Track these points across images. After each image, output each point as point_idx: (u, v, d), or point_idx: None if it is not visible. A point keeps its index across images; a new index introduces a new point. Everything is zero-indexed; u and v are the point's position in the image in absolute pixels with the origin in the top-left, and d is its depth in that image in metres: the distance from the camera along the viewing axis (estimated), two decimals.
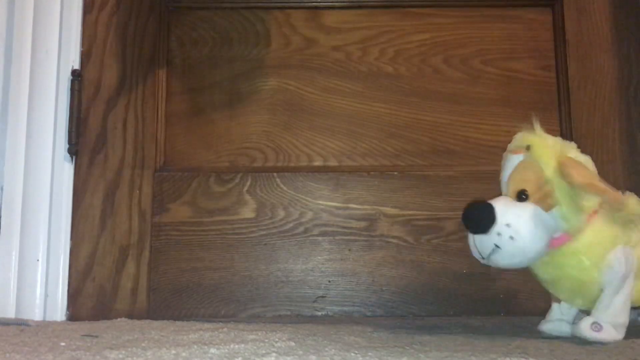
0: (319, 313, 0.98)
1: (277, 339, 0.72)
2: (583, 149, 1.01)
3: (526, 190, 0.72)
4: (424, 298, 0.98)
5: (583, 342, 0.72)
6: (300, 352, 0.63)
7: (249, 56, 1.06)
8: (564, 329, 0.76)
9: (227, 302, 0.98)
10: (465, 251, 0.75)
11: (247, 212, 1.01)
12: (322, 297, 0.98)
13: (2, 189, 0.98)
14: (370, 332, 0.81)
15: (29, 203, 0.97)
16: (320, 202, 1.01)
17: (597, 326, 0.70)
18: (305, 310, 0.98)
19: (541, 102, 1.04)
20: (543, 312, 0.80)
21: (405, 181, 1.01)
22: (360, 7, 1.07)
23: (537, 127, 0.75)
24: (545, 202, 0.71)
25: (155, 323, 0.89)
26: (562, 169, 0.71)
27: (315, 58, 1.06)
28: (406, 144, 1.03)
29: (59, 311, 0.97)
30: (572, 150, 0.75)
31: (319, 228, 1.00)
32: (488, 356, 0.62)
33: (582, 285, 0.73)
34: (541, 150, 0.73)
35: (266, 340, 0.71)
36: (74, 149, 1.01)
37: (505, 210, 0.71)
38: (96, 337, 0.74)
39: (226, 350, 0.64)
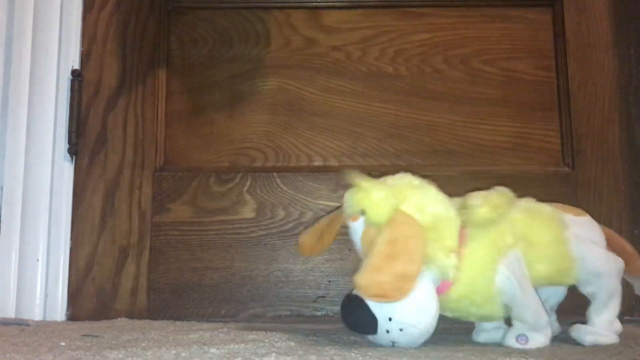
0: (319, 313, 0.98)
1: (277, 339, 0.72)
2: (583, 149, 1.02)
3: None
4: None
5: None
6: (300, 352, 0.63)
7: (249, 56, 1.06)
8: (499, 335, 0.72)
9: (227, 302, 0.98)
10: None
11: (247, 212, 1.01)
12: (322, 297, 0.98)
13: (2, 188, 0.98)
14: None
15: (28, 203, 0.97)
16: (320, 202, 1.01)
17: (523, 338, 0.68)
18: (305, 310, 0.98)
19: (541, 102, 1.04)
20: None
21: None
22: (360, 7, 1.07)
23: (362, 180, 0.68)
24: None
25: (155, 323, 0.89)
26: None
27: (315, 58, 1.06)
28: (406, 144, 1.03)
29: (58, 311, 0.97)
30: (407, 195, 0.68)
31: None
32: (488, 356, 0.62)
33: (486, 315, 0.70)
34: (375, 214, 0.67)
35: (266, 340, 0.71)
36: (74, 149, 1.01)
37: (380, 303, 0.64)
38: (96, 337, 0.74)
39: (226, 350, 0.64)
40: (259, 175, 1.01)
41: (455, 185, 1.00)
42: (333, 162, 1.03)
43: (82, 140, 1.02)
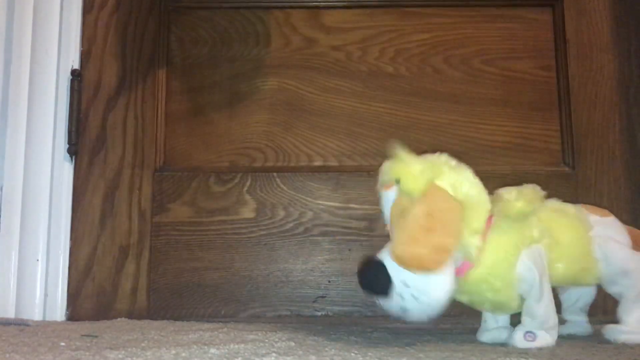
0: (319, 313, 0.98)
1: (277, 339, 0.72)
2: (583, 149, 1.02)
3: None
4: None
5: (583, 341, 0.72)
6: (300, 352, 0.63)
7: (249, 56, 1.06)
8: (503, 336, 0.73)
9: (227, 302, 0.98)
10: None
11: (247, 212, 1.00)
12: (322, 297, 0.98)
13: (1, 188, 0.98)
14: (370, 332, 0.81)
15: (28, 203, 0.97)
16: (320, 202, 1.01)
17: (530, 335, 0.69)
18: (305, 310, 0.98)
19: (541, 102, 1.04)
20: None
21: None
22: (360, 7, 1.07)
23: (402, 151, 0.69)
24: None
25: (155, 323, 0.89)
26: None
27: (315, 58, 1.06)
28: (406, 144, 1.03)
29: (58, 311, 0.97)
30: (444, 172, 0.68)
31: (319, 228, 1.00)
32: (488, 356, 0.62)
33: (501, 303, 0.71)
34: (410, 184, 0.67)
35: (266, 340, 0.71)
36: (74, 149, 1.01)
37: (396, 266, 0.64)
38: (96, 337, 0.74)
39: (226, 350, 0.64)
40: (259, 175, 1.01)
41: None
42: (333, 162, 1.03)
43: (81, 140, 1.02)
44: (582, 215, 0.75)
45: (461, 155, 1.03)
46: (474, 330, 0.77)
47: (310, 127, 1.04)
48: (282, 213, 1.00)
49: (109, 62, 1.04)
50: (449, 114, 1.04)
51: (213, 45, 1.06)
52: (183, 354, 0.61)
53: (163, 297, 0.98)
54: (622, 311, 0.73)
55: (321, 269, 0.99)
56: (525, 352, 0.65)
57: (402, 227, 0.66)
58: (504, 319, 0.75)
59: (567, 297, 0.81)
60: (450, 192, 0.67)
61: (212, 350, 0.63)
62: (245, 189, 1.01)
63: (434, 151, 1.02)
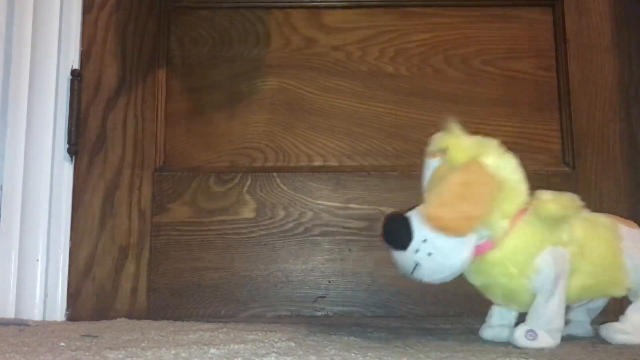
0: (319, 313, 0.98)
1: (277, 339, 0.72)
2: (583, 149, 1.02)
3: None
4: (424, 298, 0.97)
5: (583, 341, 0.72)
6: (300, 352, 0.63)
7: (249, 56, 1.06)
8: (505, 334, 0.73)
9: (227, 302, 0.98)
10: None
11: (247, 212, 1.00)
12: (322, 297, 0.98)
13: (1, 188, 0.98)
14: (370, 332, 0.81)
15: (28, 203, 0.97)
16: (320, 202, 1.01)
17: (531, 334, 0.68)
18: (305, 310, 0.98)
19: (541, 102, 1.04)
20: None
21: (405, 181, 1.01)
22: (360, 6, 1.07)
23: (455, 126, 0.72)
24: None
25: (155, 323, 0.89)
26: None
27: (315, 58, 1.06)
28: (406, 144, 1.03)
29: (58, 311, 0.97)
30: (490, 152, 0.71)
31: (319, 228, 1.00)
32: (488, 356, 0.62)
33: (513, 292, 0.71)
34: (456, 154, 0.70)
35: (266, 340, 0.71)
36: (74, 149, 1.01)
37: (423, 224, 0.67)
38: (96, 337, 0.74)
39: (226, 351, 0.64)
40: (259, 175, 1.01)
41: None
42: (333, 162, 1.03)
43: (81, 140, 1.02)
44: (613, 226, 0.75)
45: None
46: (474, 330, 0.77)
47: (310, 127, 1.04)
48: (282, 213, 1.00)
49: (109, 62, 1.04)
50: (449, 114, 1.03)
51: (213, 45, 1.06)
52: (183, 354, 0.61)
53: (163, 297, 0.98)
54: (632, 309, 0.73)
55: (321, 269, 0.99)
56: (525, 352, 0.65)
57: (437, 191, 0.68)
58: (509, 317, 0.75)
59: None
60: (491, 171, 0.69)
61: (212, 350, 0.63)
62: (245, 189, 1.01)
63: None
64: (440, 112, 1.04)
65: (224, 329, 0.81)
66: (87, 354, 0.61)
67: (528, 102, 1.04)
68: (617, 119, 1.03)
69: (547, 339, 0.68)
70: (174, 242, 1.00)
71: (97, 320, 0.94)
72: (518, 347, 0.68)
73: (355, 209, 1.00)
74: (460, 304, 0.97)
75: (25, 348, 0.66)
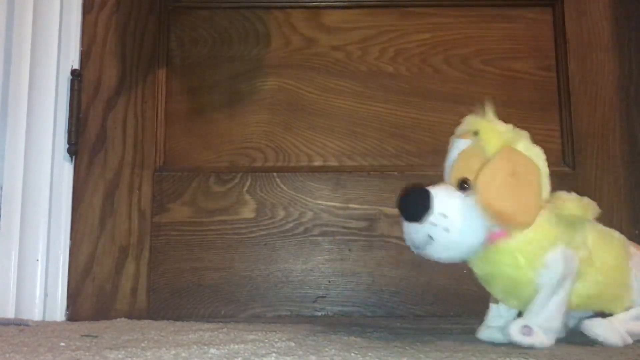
0: (319, 313, 0.98)
1: (277, 339, 0.72)
2: (583, 149, 1.02)
3: (469, 180, 0.67)
4: (424, 298, 0.97)
5: (583, 341, 0.72)
6: (300, 352, 0.63)
7: (249, 56, 1.06)
8: (501, 336, 0.71)
9: (227, 302, 0.98)
10: None
11: (247, 212, 1.00)
12: (322, 297, 0.98)
13: (1, 188, 0.98)
14: (370, 332, 0.81)
15: (28, 203, 0.97)
16: (320, 202, 1.01)
17: (527, 330, 0.67)
18: (305, 310, 0.98)
19: (541, 101, 1.04)
20: None
21: (405, 181, 1.01)
22: (360, 6, 1.07)
23: (489, 111, 0.72)
24: None
25: (155, 323, 0.89)
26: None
27: (315, 58, 1.06)
28: (406, 144, 1.03)
29: (58, 311, 0.97)
30: (522, 141, 0.71)
31: (319, 228, 1.00)
32: (488, 356, 0.62)
33: (516, 285, 0.70)
34: (488, 137, 0.69)
35: (266, 340, 0.71)
36: (74, 149, 1.01)
37: (443, 199, 0.66)
38: (96, 337, 0.74)
39: (226, 351, 0.64)
40: (259, 175, 1.01)
41: None
42: (333, 162, 1.03)
43: (81, 140, 1.02)
44: (625, 243, 0.76)
45: None
46: (474, 331, 0.77)
47: (310, 127, 1.04)
48: (282, 213, 1.00)
49: (109, 62, 1.04)
50: (449, 113, 1.04)
51: (213, 45, 1.06)
52: (183, 354, 0.61)
53: (163, 297, 0.98)
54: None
55: (321, 269, 0.99)
56: (525, 352, 0.65)
57: (482, 179, 0.67)
58: (507, 316, 0.74)
59: None
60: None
61: (212, 351, 0.63)
62: (245, 189, 1.01)
63: (434, 151, 1.02)
64: (440, 112, 1.04)
65: (224, 329, 0.81)
66: (87, 354, 0.61)
67: (528, 102, 1.04)
68: (617, 119, 1.03)
69: (541, 338, 0.67)
70: (174, 242, 1.00)
71: (97, 320, 0.94)
72: (518, 347, 0.68)
73: (355, 209, 1.00)
74: (460, 304, 0.97)
75: (25, 348, 0.66)
